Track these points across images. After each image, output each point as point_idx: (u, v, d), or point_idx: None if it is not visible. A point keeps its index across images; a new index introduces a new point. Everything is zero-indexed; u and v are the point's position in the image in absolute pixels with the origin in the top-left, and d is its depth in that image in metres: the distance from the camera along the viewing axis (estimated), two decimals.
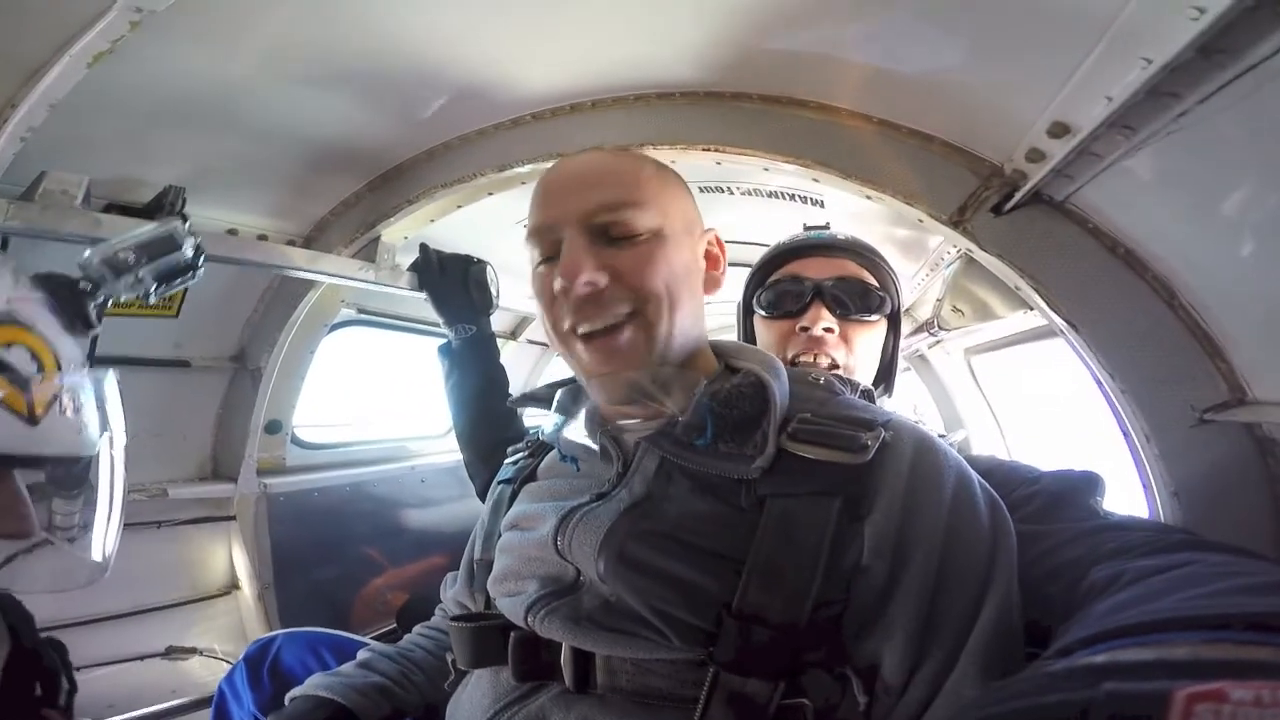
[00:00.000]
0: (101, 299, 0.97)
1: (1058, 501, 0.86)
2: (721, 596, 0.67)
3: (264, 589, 2.11)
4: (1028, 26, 0.85)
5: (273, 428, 2.09)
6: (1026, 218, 1.12)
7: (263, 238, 1.76)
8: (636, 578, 0.70)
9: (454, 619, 0.88)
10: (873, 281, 1.20)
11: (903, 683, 0.66)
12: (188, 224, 1.13)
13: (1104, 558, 0.67)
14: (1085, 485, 0.87)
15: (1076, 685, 0.32)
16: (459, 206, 1.79)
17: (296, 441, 2.25)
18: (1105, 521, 0.79)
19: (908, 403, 2.68)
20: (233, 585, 2.14)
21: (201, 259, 1.13)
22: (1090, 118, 0.78)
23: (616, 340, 0.77)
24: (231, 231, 1.70)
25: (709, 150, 1.36)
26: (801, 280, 1.19)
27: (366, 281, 1.80)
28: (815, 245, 1.23)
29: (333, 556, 2.35)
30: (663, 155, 1.40)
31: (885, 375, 1.27)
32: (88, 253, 0.99)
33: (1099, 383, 1.16)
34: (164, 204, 1.55)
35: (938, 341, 2.44)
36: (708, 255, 0.88)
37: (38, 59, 1.10)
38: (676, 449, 0.77)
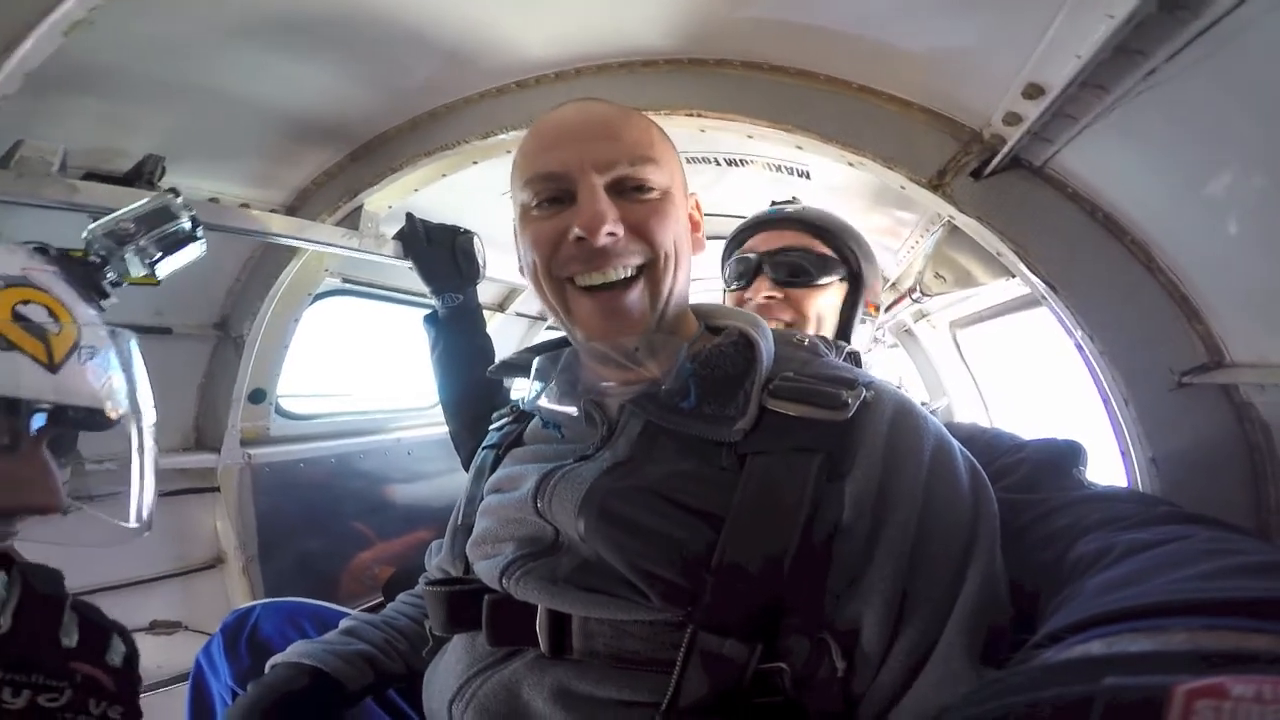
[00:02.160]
0: (112, 274, 1.05)
1: (1043, 470, 0.87)
2: (701, 553, 0.67)
3: (249, 561, 2.11)
4: None
5: (256, 397, 2.08)
6: (1006, 182, 1.13)
7: (245, 206, 1.74)
8: (617, 534, 0.69)
9: (429, 583, 0.86)
10: (821, 249, 1.26)
11: (881, 651, 0.65)
12: (180, 197, 1.21)
13: (1091, 528, 0.67)
14: (1070, 454, 0.88)
15: (1075, 679, 0.32)
16: (443, 175, 1.78)
17: (281, 412, 2.24)
18: (1091, 491, 0.80)
19: (892, 375, 2.70)
20: (218, 558, 2.13)
21: (200, 229, 1.23)
22: (1062, 76, 0.78)
23: (623, 298, 0.77)
24: (213, 199, 1.67)
25: (692, 115, 1.36)
26: (749, 255, 1.28)
27: (350, 249, 1.79)
28: (764, 221, 1.33)
29: (319, 529, 2.34)
30: None
31: (844, 334, 1.32)
32: (91, 226, 1.05)
33: (1079, 348, 1.18)
34: (143, 173, 1.53)
35: (924, 315, 2.46)
36: (690, 218, 0.87)
37: (13, 28, 1.07)
38: (661, 412, 0.76)
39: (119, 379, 0.79)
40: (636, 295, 0.77)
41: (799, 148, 1.32)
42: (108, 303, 0.95)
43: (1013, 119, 0.97)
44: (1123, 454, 1.18)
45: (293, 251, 1.87)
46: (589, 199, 0.74)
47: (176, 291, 1.86)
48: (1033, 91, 0.87)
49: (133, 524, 0.87)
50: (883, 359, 2.65)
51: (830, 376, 0.77)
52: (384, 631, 0.98)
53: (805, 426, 0.71)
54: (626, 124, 0.79)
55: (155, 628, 1.94)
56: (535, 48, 1.41)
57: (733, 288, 1.31)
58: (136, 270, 1.15)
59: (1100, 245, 1.10)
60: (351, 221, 1.83)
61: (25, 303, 0.69)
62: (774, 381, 0.76)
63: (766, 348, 0.79)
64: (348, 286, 2.29)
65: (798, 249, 1.25)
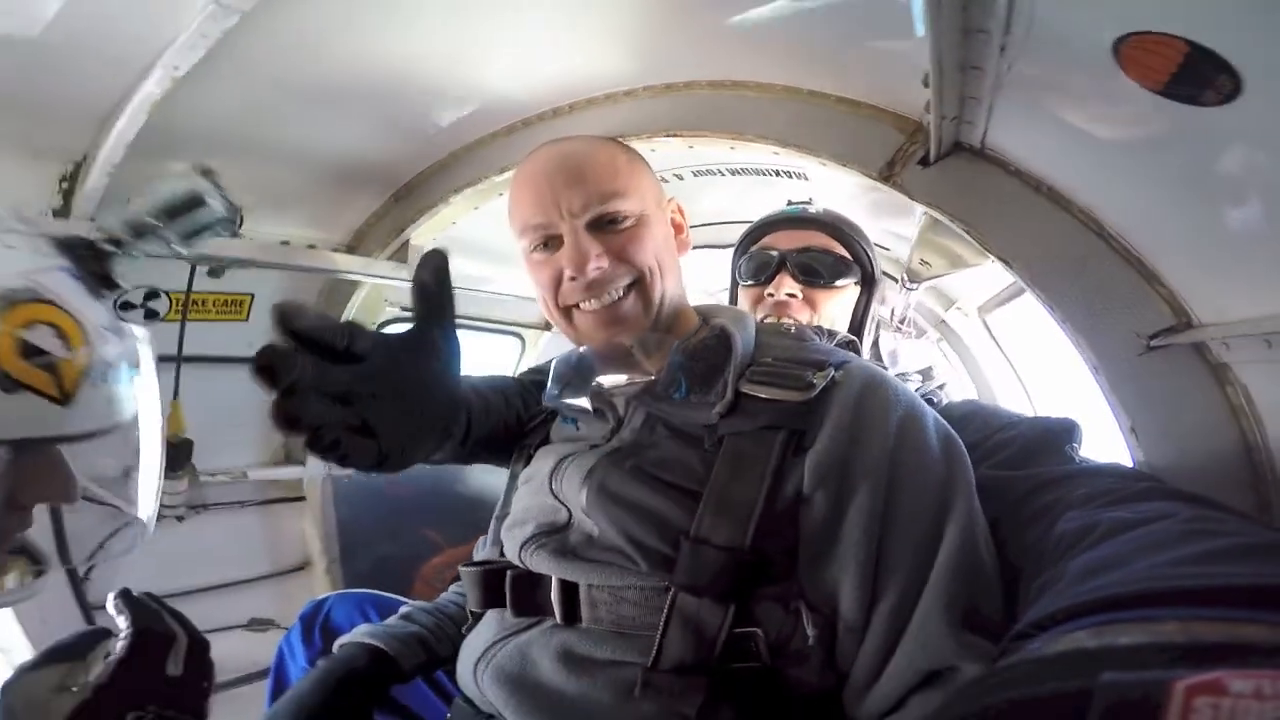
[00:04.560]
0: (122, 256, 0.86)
1: (1034, 446, 0.88)
2: (682, 525, 0.75)
3: (331, 564, 2.36)
4: None
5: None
6: (952, 166, 1.20)
7: (311, 246, 2.02)
8: (611, 507, 0.79)
9: (464, 565, 0.97)
10: (840, 251, 1.29)
11: (863, 620, 0.68)
12: (213, 175, 0.99)
13: (1074, 505, 0.68)
14: (1063, 432, 0.88)
15: (1071, 673, 0.31)
16: (475, 208, 2.00)
17: None
18: (1078, 467, 0.80)
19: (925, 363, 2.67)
20: (306, 561, 2.40)
21: (239, 215, 1.06)
22: (932, 62, 0.86)
23: (619, 311, 0.88)
24: (284, 242, 1.97)
25: (673, 136, 1.49)
26: (770, 251, 1.30)
27: (401, 280, 2.04)
28: (787, 219, 1.35)
29: (394, 535, 2.57)
30: (637, 145, 1.54)
31: (857, 332, 1.35)
32: (108, 216, 0.91)
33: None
34: None
35: (953, 303, 2.45)
36: (673, 223, 0.98)
37: (105, 109, 1.37)
38: (658, 403, 0.87)
39: (128, 388, 0.69)
40: (630, 306, 0.88)
41: (776, 154, 1.43)
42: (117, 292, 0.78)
43: (930, 106, 1.05)
44: (1123, 431, 1.16)
45: (355, 285, 2.15)
46: (571, 243, 0.85)
47: (263, 326, 2.16)
48: (927, 79, 0.95)
49: (143, 518, 0.80)
50: (920, 350, 2.62)
51: (803, 360, 0.84)
52: (436, 617, 1.09)
53: (775, 407, 0.79)
54: (592, 163, 0.87)
55: (253, 624, 2.19)
56: (534, 90, 1.61)
57: (748, 283, 1.32)
58: (155, 253, 0.93)
59: (1050, 217, 1.13)
60: (401, 255, 2.09)
61: (30, 324, 0.60)
62: (751, 367, 0.85)
63: (743, 338, 0.88)
64: (407, 314, 2.55)
65: (820, 249, 1.27)
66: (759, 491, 0.73)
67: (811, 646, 0.71)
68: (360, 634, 1.01)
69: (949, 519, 0.70)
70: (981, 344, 2.55)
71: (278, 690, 1.29)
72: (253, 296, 2.11)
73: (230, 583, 2.18)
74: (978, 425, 1.01)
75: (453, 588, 1.22)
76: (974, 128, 1.08)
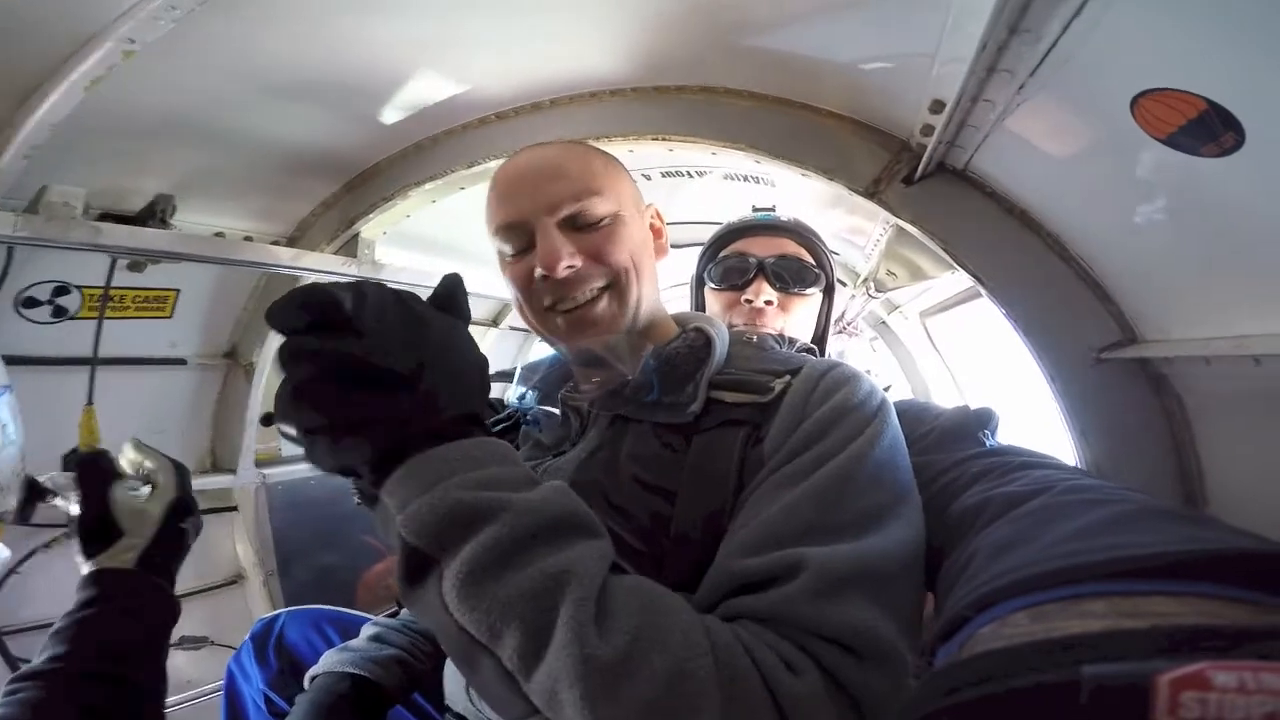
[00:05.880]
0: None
1: (949, 434, 0.90)
2: (662, 524, 0.75)
3: (268, 576, 2.22)
4: (902, 12, 0.98)
5: (267, 420, 2.19)
6: (934, 186, 1.27)
7: (248, 239, 1.87)
8: (597, 513, 0.77)
9: None
10: (809, 259, 1.31)
11: None
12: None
13: (967, 483, 0.70)
14: (976, 420, 0.90)
15: (1049, 664, 0.30)
16: (433, 201, 1.91)
17: None
18: (979, 450, 0.82)
19: (868, 365, 2.82)
20: (239, 575, 2.24)
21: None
22: (953, 92, 0.91)
23: (592, 312, 0.86)
24: (219, 234, 1.81)
25: (658, 140, 1.49)
26: (747, 257, 1.30)
27: (348, 275, 1.92)
28: (761, 225, 1.36)
29: (333, 543, 2.44)
30: (618, 146, 1.53)
31: (820, 340, 1.39)
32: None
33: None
34: (155, 211, 1.67)
35: (896, 308, 2.59)
36: (652, 228, 0.96)
37: (33, 82, 1.21)
38: (627, 405, 0.86)
39: None
40: (603, 307, 0.86)
41: (757, 162, 1.45)
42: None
43: (927, 130, 1.10)
44: (1073, 436, 1.27)
45: (295, 280, 2.00)
46: (544, 240, 0.82)
47: (189, 324, 2.01)
48: (936, 106, 1.00)
49: None
50: (861, 351, 2.77)
51: (765, 369, 0.86)
52: (409, 635, 1.04)
53: (738, 409, 0.80)
54: (568, 162, 0.86)
55: (184, 643, 2.03)
56: (511, 82, 1.55)
57: (722, 286, 1.31)
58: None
59: (1019, 238, 1.23)
60: (349, 249, 1.97)
61: None
62: (720, 374, 0.86)
63: (720, 344, 0.89)
64: None
65: (794, 257, 1.28)
66: (727, 485, 0.74)
67: None
68: (335, 662, 0.96)
69: (853, 442, 0.70)
70: (920, 346, 2.71)
71: (231, 714, 1.23)
72: (178, 292, 1.94)
73: None
74: (909, 419, 1.02)
75: None
76: (963, 152, 1.14)
